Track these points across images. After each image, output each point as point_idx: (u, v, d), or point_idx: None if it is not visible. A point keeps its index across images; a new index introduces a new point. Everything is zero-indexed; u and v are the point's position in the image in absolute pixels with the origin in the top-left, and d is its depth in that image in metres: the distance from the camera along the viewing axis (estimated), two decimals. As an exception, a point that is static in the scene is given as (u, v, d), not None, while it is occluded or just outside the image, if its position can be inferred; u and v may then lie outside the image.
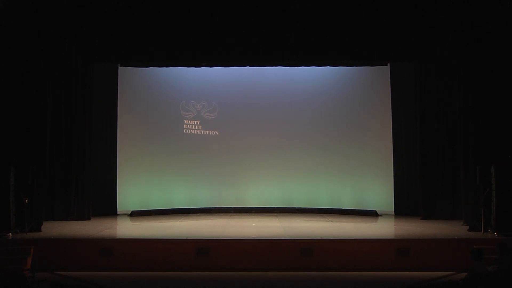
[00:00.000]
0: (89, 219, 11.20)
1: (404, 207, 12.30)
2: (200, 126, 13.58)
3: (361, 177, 12.95)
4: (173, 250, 8.24)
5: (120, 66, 12.54)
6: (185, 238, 8.67)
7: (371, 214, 12.28)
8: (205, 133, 13.60)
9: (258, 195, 13.48)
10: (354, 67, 12.74)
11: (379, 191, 12.82)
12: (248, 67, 12.26)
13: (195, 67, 12.53)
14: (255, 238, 8.66)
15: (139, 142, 13.16)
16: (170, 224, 10.90)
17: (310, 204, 13.20)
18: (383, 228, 10.60)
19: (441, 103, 11.31)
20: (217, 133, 13.64)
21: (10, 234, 8.85)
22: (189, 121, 13.52)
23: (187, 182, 13.30)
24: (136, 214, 12.35)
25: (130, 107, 13.10)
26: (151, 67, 12.59)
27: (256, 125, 13.62)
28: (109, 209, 12.37)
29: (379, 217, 12.09)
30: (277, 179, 13.44)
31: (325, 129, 13.41)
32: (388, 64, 12.50)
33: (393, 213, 12.33)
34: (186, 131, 13.52)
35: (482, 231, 9.04)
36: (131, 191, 12.90)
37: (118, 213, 12.48)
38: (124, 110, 12.95)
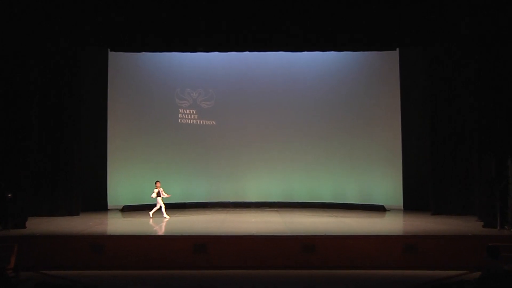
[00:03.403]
0: (77, 214, 11.14)
1: (413, 201, 12.27)
2: (196, 116, 13.53)
3: (367, 170, 12.92)
4: (168, 247, 8.20)
5: (110, 51, 12.38)
6: (180, 234, 8.70)
7: (378, 209, 12.32)
8: (201, 123, 13.53)
9: (258, 189, 13.49)
10: (361, 52, 12.61)
11: (386, 184, 12.76)
12: (247, 52, 12.06)
13: (190, 52, 12.39)
14: (255, 234, 8.59)
15: (131, 132, 13.06)
16: (165, 219, 10.87)
17: (312, 198, 13.26)
18: (390, 224, 10.56)
19: (454, 90, 11.19)
20: (214, 123, 13.59)
21: (-8, 230, 8.86)
22: (185, 110, 13.48)
23: (182, 175, 13.26)
24: (128, 209, 12.32)
25: (121, 95, 12.97)
26: (143, 52, 12.45)
27: (256, 115, 13.56)
28: (99, 203, 12.34)
29: (387, 212, 12.18)
30: (278, 172, 13.43)
31: (329, 119, 13.34)
32: (397, 49, 12.36)
33: (402, 208, 12.41)
34: (181, 120, 13.50)
35: (498, 227, 8.98)
36: (122, 184, 12.85)
37: (108, 208, 12.49)
38: (115, 98, 12.82)
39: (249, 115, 13.57)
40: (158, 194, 10.84)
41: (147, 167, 13.00)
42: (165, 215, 10.80)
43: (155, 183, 10.95)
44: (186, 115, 13.47)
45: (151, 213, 10.83)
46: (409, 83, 12.49)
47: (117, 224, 10.56)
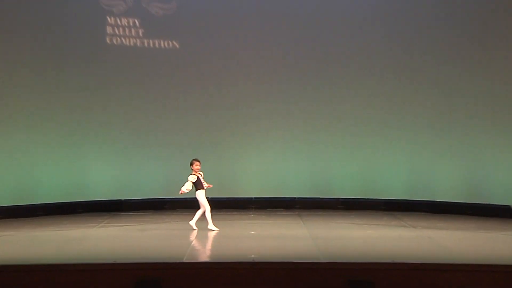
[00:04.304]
0: None
1: None
2: (140, 31, 13.08)
3: (473, 142, 12.96)
4: (88, 285, 7.76)
5: None
6: (112, 261, 8.29)
7: (500, 213, 12.44)
8: (151, 45, 13.12)
9: (261, 177, 13.64)
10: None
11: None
12: None
13: None
14: (256, 261, 8.17)
15: (11, 66, 12.53)
16: (82, 232, 10.81)
17: (366, 192, 13.46)
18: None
19: None
20: (177, 47, 13.18)
21: None
22: (118, 20, 13.04)
23: (116, 149, 13.22)
24: (7, 215, 12.23)
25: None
26: None
27: (256, 36, 13.58)
28: None
29: (517, 218, 12.21)
30: (301, 146, 13.55)
31: (394, 51, 13.28)
32: None
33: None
34: (111, 40, 13.13)
35: None
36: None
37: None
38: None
39: (244, 36, 13.49)
40: (199, 185, 10.50)
41: (45, 134, 12.72)
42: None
43: (191, 164, 10.65)
44: (120, 30, 13.06)
45: (193, 222, 10.50)
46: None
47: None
